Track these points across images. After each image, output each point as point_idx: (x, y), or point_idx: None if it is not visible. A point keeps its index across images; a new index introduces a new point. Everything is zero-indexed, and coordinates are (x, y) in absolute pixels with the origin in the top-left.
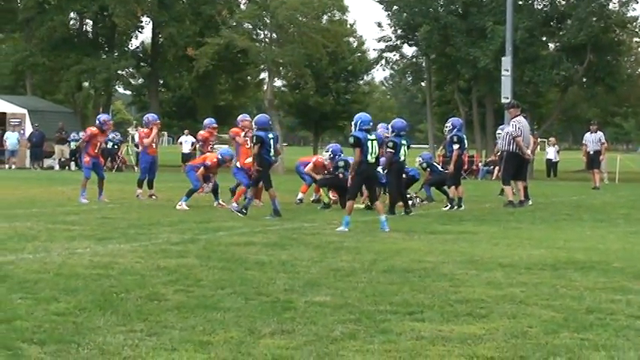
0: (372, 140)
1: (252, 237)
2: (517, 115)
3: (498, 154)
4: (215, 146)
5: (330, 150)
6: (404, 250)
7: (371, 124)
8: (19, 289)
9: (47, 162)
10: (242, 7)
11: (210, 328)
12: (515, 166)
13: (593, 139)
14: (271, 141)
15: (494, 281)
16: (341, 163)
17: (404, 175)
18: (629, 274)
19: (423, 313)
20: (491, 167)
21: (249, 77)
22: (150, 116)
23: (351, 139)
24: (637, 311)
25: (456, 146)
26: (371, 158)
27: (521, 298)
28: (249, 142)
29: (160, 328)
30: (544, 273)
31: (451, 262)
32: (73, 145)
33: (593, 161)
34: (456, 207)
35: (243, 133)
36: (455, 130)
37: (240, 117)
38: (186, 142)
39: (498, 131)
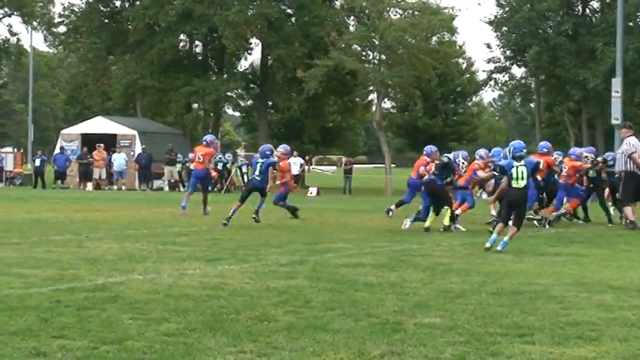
0: (518, 167)
1: (361, 258)
2: (629, 136)
3: (616, 175)
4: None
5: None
6: (513, 273)
7: (524, 151)
8: (129, 309)
9: (156, 183)
10: (351, 28)
11: (319, 350)
12: (635, 184)
13: None
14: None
15: (605, 304)
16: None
17: None
18: None
19: (534, 336)
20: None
21: (357, 99)
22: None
23: (497, 169)
24: None
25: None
26: (516, 184)
27: (633, 321)
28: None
29: (270, 349)
30: None
31: (561, 285)
32: (179, 166)
33: None
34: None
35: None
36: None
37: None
38: (295, 163)
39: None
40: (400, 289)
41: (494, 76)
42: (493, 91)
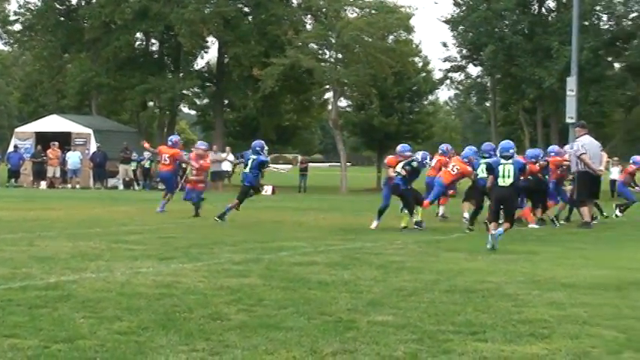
0: (505, 165)
1: (314, 257)
2: (582, 135)
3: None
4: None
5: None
6: (466, 270)
7: (511, 151)
8: (81, 308)
9: (111, 182)
10: (308, 27)
11: (272, 348)
12: (587, 184)
13: None
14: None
15: (557, 301)
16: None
17: None
18: None
19: (486, 334)
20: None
21: (313, 97)
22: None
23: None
24: None
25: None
26: (502, 182)
27: (584, 319)
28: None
29: (223, 347)
30: (607, 293)
31: (513, 282)
32: (134, 165)
33: None
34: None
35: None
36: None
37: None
38: None
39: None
40: (353, 287)
41: (450, 74)
42: (449, 89)
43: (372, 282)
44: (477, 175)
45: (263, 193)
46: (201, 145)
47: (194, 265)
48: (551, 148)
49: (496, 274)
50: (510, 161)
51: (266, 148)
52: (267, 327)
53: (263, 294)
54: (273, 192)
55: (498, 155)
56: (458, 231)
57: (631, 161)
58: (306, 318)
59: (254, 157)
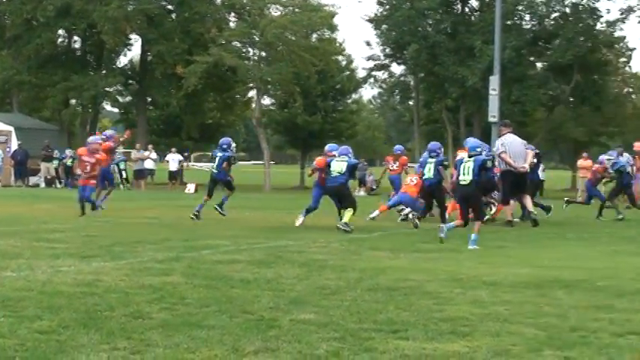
0: (466, 162)
1: (237, 255)
2: (505, 133)
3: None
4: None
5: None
6: (389, 269)
7: (478, 149)
8: (1, 307)
9: (33, 179)
10: (231, 25)
11: (194, 346)
12: (510, 183)
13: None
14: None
15: (479, 299)
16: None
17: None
18: (613, 293)
19: (407, 332)
20: None
21: (237, 95)
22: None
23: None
24: (620, 329)
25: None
26: (463, 180)
27: (505, 317)
28: None
29: (144, 346)
30: (528, 291)
31: (436, 281)
32: (55, 163)
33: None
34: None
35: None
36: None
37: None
38: (174, 159)
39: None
40: (276, 285)
41: (373, 73)
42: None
43: (294, 280)
44: (424, 174)
45: (186, 191)
46: (95, 139)
47: (116, 263)
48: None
49: (418, 272)
50: (472, 159)
51: (233, 144)
52: (189, 325)
53: (185, 292)
54: (196, 190)
55: (467, 154)
56: (380, 230)
57: (598, 160)
58: (228, 316)
59: (220, 154)
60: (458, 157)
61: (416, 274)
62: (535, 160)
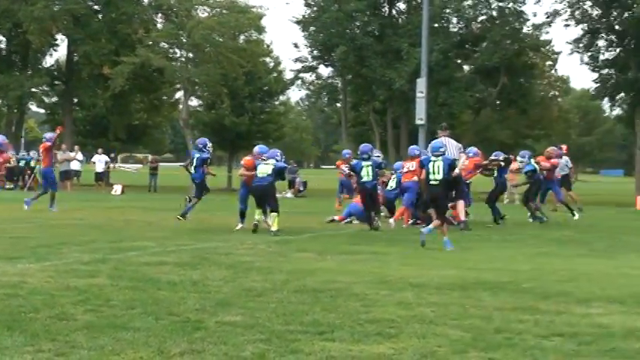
0: (435, 162)
1: (164, 257)
2: (441, 137)
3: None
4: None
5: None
6: (316, 270)
7: (441, 149)
8: None
9: None
10: (159, 26)
11: (119, 348)
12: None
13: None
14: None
15: (405, 301)
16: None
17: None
18: (537, 295)
19: (334, 333)
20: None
21: (164, 96)
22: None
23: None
24: (544, 331)
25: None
26: (433, 179)
27: (431, 318)
28: None
29: (69, 348)
30: (454, 293)
31: (362, 282)
32: None
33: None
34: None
35: None
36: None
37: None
38: (100, 161)
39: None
40: (202, 287)
41: (301, 75)
42: (300, 90)
43: (221, 282)
44: (362, 177)
45: (112, 192)
46: (3, 139)
47: (41, 265)
48: (469, 149)
49: (345, 274)
50: (440, 158)
51: (209, 144)
52: (115, 327)
53: (111, 294)
54: (123, 191)
55: (429, 154)
56: (308, 231)
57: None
58: (154, 318)
59: (197, 155)
60: (406, 166)
61: (343, 275)
62: (503, 164)
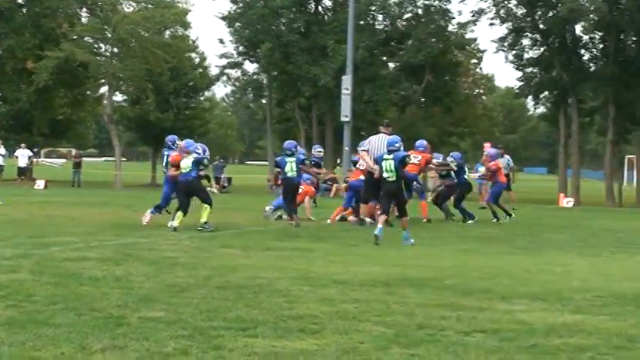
0: (387, 160)
1: (86, 252)
2: (380, 133)
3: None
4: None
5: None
6: (239, 267)
7: (397, 145)
8: None
9: None
10: (83, 20)
11: (40, 344)
12: (369, 182)
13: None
14: None
15: (328, 297)
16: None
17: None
18: (460, 291)
19: (257, 329)
20: (330, 185)
21: (88, 91)
22: None
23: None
24: (466, 327)
25: None
26: (388, 176)
27: (354, 314)
28: None
29: None
30: (377, 290)
31: (286, 279)
32: None
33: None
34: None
35: None
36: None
37: None
38: (23, 155)
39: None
40: (125, 282)
41: (226, 71)
42: (225, 86)
43: (144, 278)
44: (287, 173)
45: (35, 187)
46: None
47: None
48: (419, 142)
49: (269, 270)
50: (391, 156)
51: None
52: (36, 323)
53: (32, 290)
54: (46, 186)
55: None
56: (233, 227)
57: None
58: (76, 314)
59: (167, 152)
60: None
61: (266, 272)
62: (456, 167)
